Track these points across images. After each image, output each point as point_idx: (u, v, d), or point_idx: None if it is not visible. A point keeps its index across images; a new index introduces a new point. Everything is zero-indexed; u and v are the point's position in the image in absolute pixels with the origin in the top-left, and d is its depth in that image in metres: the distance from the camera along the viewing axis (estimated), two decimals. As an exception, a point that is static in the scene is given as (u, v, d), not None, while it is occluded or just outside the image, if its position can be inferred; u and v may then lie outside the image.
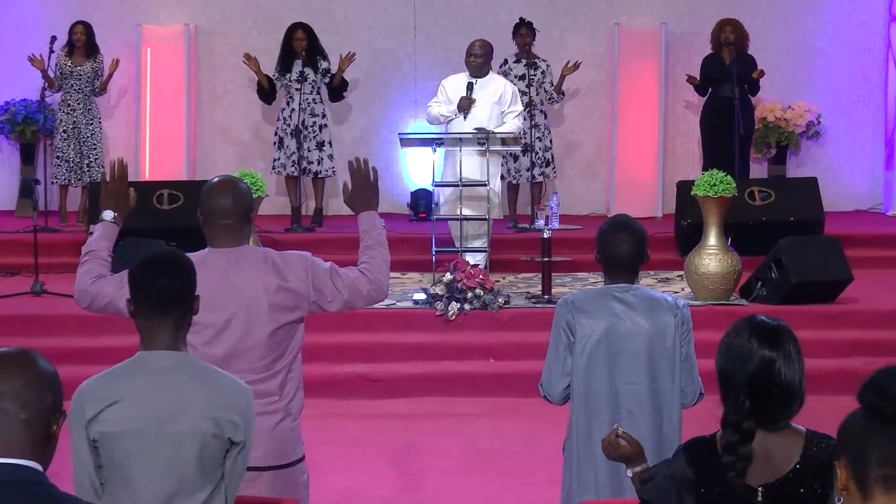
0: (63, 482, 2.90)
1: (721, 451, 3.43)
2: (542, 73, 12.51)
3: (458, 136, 10.41)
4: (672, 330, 4.75)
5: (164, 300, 3.67)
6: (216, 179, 4.64)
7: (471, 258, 10.17)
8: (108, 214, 4.68)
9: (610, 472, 4.72)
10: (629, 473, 3.81)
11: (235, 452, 3.65)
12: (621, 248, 4.78)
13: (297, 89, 12.42)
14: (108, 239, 4.64)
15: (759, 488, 3.43)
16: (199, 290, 4.29)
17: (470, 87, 10.44)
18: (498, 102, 10.28)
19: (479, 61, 10.43)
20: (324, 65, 12.61)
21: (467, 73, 10.56)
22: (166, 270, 3.72)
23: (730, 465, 3.40)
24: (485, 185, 10.18)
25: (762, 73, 12.56)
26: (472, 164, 10.18)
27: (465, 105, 10.34)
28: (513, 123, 10.27)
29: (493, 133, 10.14)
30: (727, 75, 12.41)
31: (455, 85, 10.51)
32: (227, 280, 4.41)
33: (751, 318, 3.53)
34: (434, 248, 10.40)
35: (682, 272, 10.36)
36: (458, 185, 10.35)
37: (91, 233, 4.70)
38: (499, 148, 10.26)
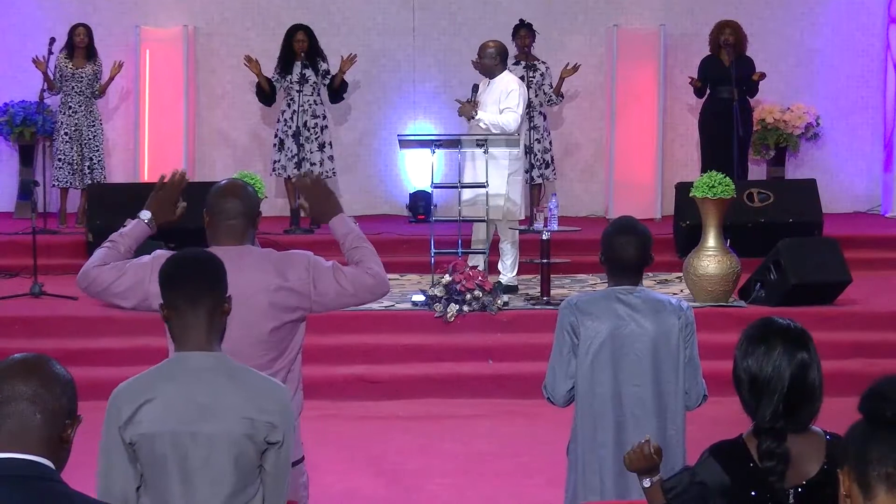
0: (81, 474, 2.91)
1: (760, 456, 3.43)
2: (542, 74, 12.52)
3: (456, 137, 10.42)
4: (676, 332, 4.75)
5: (195, 293, 3.68)
6: (224, 181, 4.65)
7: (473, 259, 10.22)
8: (145, 214, 4.66)
9: (615, 474, 4.72)
10: (646, 483, 3.75)
11: (273, 453, 3.64)
12: (626, 251, 4.77)
13: (297, 91, 12.42)
14: (134, 237, 4.61)
15: (790, 491, 3.44)
16: None
17: (475, 88, 10.44)
18: (497, 102, 10.26)
19: (483, 63, 10.41)
20: (324, 66, 12.62)
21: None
22: (196, 265, 3.75)
23: (771, 471, 3.40)
24: (484, 185, 10.18)
25: (762, 76, 12.56)
26: (483, 166, 10.16)
27: (468, 109, 10.33)
28: (503, 117, 10.14)
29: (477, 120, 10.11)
30: (726, 77, 12.42)
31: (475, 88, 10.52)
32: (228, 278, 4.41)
33: (769, 322, 3.52)
34: (433, 250, 10.39)
35: (680, 274, 10.37)
36: (456, 187, 10.37)
37: (124, 225, 4.65)
38: (500, 148, 10.22)
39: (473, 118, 10.23)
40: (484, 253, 10.31)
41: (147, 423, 3.59)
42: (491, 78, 10.37)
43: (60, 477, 2.83)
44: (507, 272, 10.42)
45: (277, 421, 3.63)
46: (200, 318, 3.68)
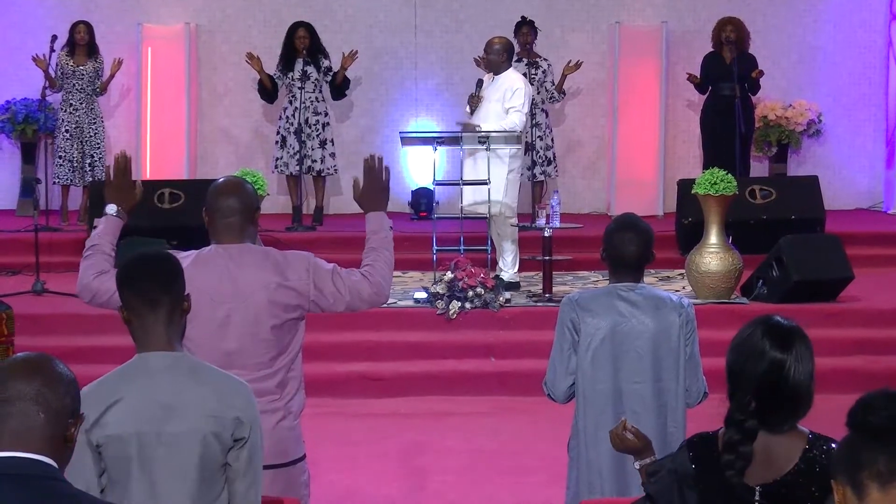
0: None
1: (721, 448, 3.43)
2: (544, 72, 12.51)
3: (458, 134, 10.42)
4: (677, 329, 4.75)
5: (152, 292, 3.67)
6: (222, 179, 4.66)
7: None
8: (111, 208, 4.66)
9: (615, 470, 4.72)
10: (637, 466, 3.82)
11: (241, 451, 3.63)
12: (628, 248, 4.77)
13: (299, 88, 12.41)
14: (111, 233, 4.63)
15: (758, 488, 3.43)
16: (200, 283, 4.30)
17: (479, 83, 10.45)
18: (501, 99, 10.27)
19: (489, 58, 10.42)
20: (326, 63, 12.62)
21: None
22: (151, 264, 3.73)
23: (729, 464, 3.39)
24: (485, 183, 10.19)
25: (761, 73, 12.55)
26: (483, 164, 10.18)
27: (473, 103, 10.34)
28: (509, 120, 10.18)
29: (478, 128, 10.11)
30: (728, 74, 12.41)
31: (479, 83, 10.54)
32: (227, 275, 4.42)
33: (766, 318, 3.51)
34: (435, 247, 10.40)
35: (682, 271, 10.36)
36: (458, 184, 10.39)
37: (95, 226, 4.68)
38: (501, 146, 10.21)
39: (476, 129, 10.17)
40: (485, 250, 10.31)
41: (113, 424, 3.58)
42: (496, 74, 10.37)
43: (63, 476, 2.83)
44: (508, 269, 10.43)
45: (243, 416, 3.61)
46: (160, 318, 3.67)
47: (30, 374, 2.84)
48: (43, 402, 2.82)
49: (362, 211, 4.74)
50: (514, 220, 10.39)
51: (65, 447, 2.87)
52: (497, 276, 10.24)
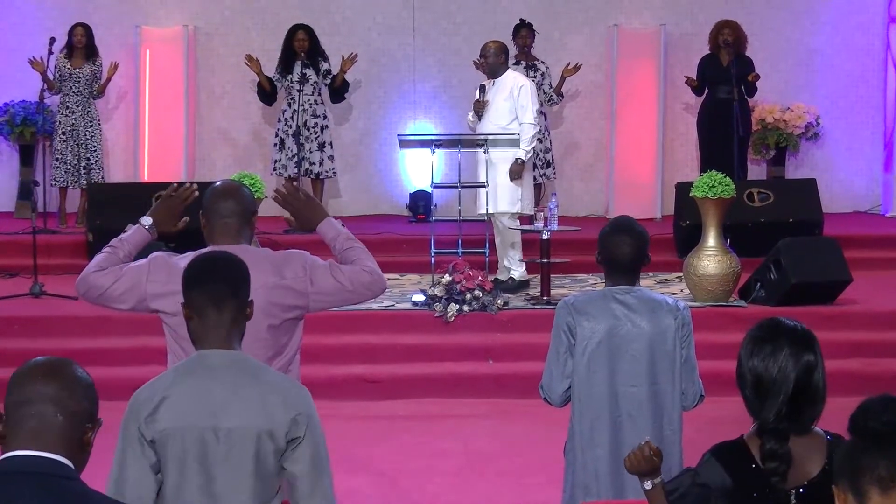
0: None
1: (763, 457, 3.43)
2: (542, 74, 12.51)
3: (456, 137, 10.44)
4: (672, 332, 4.75)
5: (220, 296, 3.69)
6: (219, 182, 4.67)
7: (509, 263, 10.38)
8: (146, 220, 4.65)
9: (611, 474, 4.72)
10: (648, 486, 3.71)
11: (298, 450, 3.63)
12: (622, 250, 4.78)
13: (298, 90, 12.42)
14: (134, 242, 4.61)
15: (792, 491, 3.44)
16: None
17: (482, 89, 10.46)
18: (509, 98, 10.28)
19: (487, 62, 10.43)
20: (325, 66, 12.62)
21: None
22: (221, 267, 3.76)
23: (774, 471, 3.41)
24: (484, 185, 10.21)
25: (757, 77, 12.55)
26: (496, 166, 10.23)
27: (479, 108, 10.37)
28: (525, 131, 10.21)
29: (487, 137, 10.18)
30: (725, 76, 12.41)
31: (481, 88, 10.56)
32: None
33: (776, 322, 3.52)
34: (433, 250, 10.41)
35: (680, 273, 10.36)
36: (456, 186, 10.41)
37: (125, 230, 4.66)
38: (501, 148, 10.24)
39: (523, 164, 10.27)
40: (483, 252, 10.32)
41: (166, 419, 3.59)
42: (495, 77, 10.39)
43: (76, 475, 2.86)
44: (518, 268, 10.44)
45: (299, 418, 3.63)
46: (224, 320, 3.70)
47: (48, 377, 2.88)
48: (61, 404, 2.85)
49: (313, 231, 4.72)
50: (516, 222, 10.43)
51: (81, 450, 2.90)
52: (496, 279, 10.24)
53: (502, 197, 10.30)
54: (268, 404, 3.61)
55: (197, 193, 4.72)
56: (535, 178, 12.43)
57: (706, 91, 12.74)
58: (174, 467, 3.61)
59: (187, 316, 3.75)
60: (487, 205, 10.25)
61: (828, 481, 3.40)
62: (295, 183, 4.73)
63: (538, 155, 12.52)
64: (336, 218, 4.82)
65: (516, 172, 10.25)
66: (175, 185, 4.74)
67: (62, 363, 2.93)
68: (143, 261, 4.49)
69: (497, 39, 10.86)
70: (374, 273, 4.56)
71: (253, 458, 3.60)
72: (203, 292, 3.71)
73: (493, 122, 10.29)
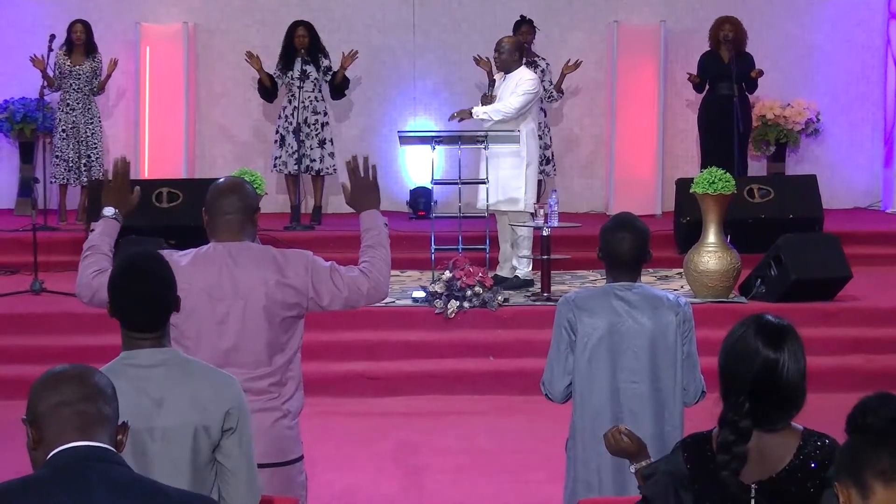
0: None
1: (716, 449, 3.43)
2: (542, 71, 12.49)
3: (456, 133, 10.44)
4: (674, 328, 4.75)
5: (142, 308, 3.67)
6: (222, 179, 4.69)
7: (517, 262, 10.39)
8: (108, 211, 4.68)
9: (613, 470, 4.72)
10: (632, 469, 3.80)
11: (229, 441, 3.64)
12: (623, 247, 4.77)
13: (298, 87, 12.41)
14: (108, 235, 4.65)
15: (753, 485, 3.43)
16: (199, 281, 4.33)
17: (492, 83, 10.47)
18: (515, 93, 10.29)
19: (502, 57, 10.42)
20: (325, 62, 12.61)
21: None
22: (141, 277, 3.70)
23: (724, 464, 3.40)
24: (484, 182, 10.21)
25: (760, 73, 12.55)
26: (494, 162, 10.23)
27: (486, 103, 10.37)
28: (500, 103, 10.20)
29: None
30: (725, 73, 12.41)
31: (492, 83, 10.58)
32: (226, 273, 4.43)
33: (757, 318, 3.51)
34: (433, 246, 10.42)
35: (681, 270, 10.37)
36: (456, 183, 10.41)
37: (92, 230, 4.70)
38: (498, 145, 10.24)
39: (471, 117, 10.25)
40: (484, 249, 10.31)
41: None
42: (508, 73, 10.38)
43: (125, 461, 2.91)
44: (524, 266, 10.44)
45: (231, 408, 3.63)
46: (147, 324, 3.69)
47: (80, 381, 2.90)
48: (97, 404, 2.89)
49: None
50: (520, 219, 10.43)
51: (117, 451, 2.92)
52: (496, 275, 10.24)
53: (511, 198, 10.26)
54: (201, 399, 3.62)
55: (129, 161, 4.76)
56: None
57: (707, 87, 12.73)
58: None
59: (112, 315, 3.73)
60: (488, 201, 10.24)
61: (792, 478, 3.40)
62: (373, 164, 4.74)
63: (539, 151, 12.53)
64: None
65: (462, 114, 10.35)
66: (106, 170, 4.80)
67: (86, 368, 2.96)
68: None
69: (510, 35, 10.90)
70: (375, 282, 4.56)
71: (190, 453, 3.61)
72: (125, 301, 3.68)
73: (478, 117, 10.29)
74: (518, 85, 10.21)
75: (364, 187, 4.74)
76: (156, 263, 3.75)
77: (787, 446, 3.44)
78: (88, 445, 2.84)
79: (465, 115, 10.40)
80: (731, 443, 3.39)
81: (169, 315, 3.72)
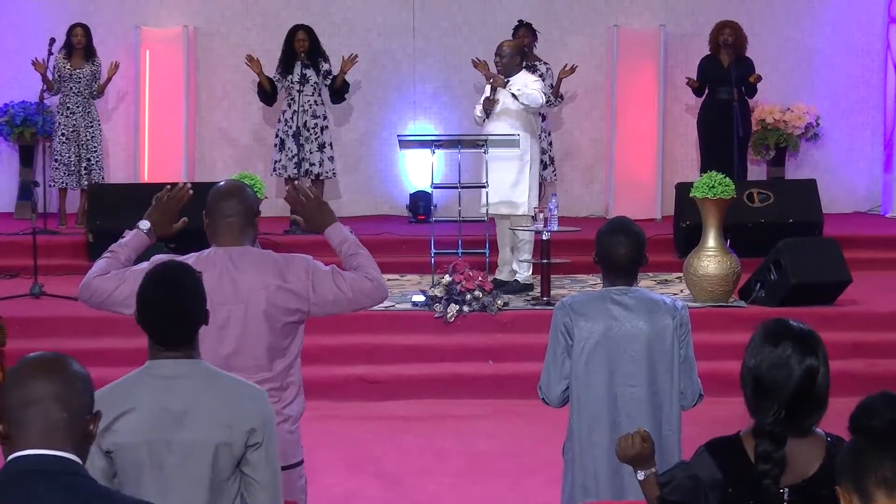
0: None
1: (756, 458, 3.42)
2: (542, 75, 12.49)
3: (456, 137, 10.44)
4: (671, 332, 4.75)
5: (170, 323, 3.65)
6: (223, 183, 4.67)
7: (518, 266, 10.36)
8: (144, 224, 4.65)
9: (610, 474, 4.72)
10: (640, 476, 3.75)
11: (255, 456, 3.62)
12: (619, 251, 4.78)
13: (298, 91, 12.41)
14: (133, 247, 4.61)
15: (785, 489, 3.44)
16: None
17: (494, 87, 10.44)
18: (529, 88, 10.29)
19: (504, 61, 10.41)
20: (325, 66, 12.61)
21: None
22: (170, 291, 3.67)
23: (766, 473, 3.40)
24: (484, 186, 10.21)
25: (759, 78, 12.55)
26: (497, 166, 10.23)
27: (489, 106, 10.35)
28: (530, 89, 10.20)
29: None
30: (725, 77, 12.41)
31: (490, 86, 10.53)
32: (227, 277, 4.42)
33: (785, 326, 3.51)
34: (433, 250, 10.41)
35: (680, 274, 10.37)
36: (456, 187, 10.41)
37: (123, 236, 4.65)
38: (499, 149, 10.24)
39: (505, 87, 10.19)
40: (483, 252, 10.31)
41: (123, 432, 3.59)
42: (508, 76, 10.37)
43: (88, 473, 2.87)
44: (524, 270, 10.43)
45: (257, 425, 3.61)
46: (177, 338, 3.67)
47: (50, 375, 2.86)
48: (65, 401, 2.85)
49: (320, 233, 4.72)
50: (521, 223, 10.43)
51: (85, 443, 2.90)
52: (495, 279, 10.24)
53: (513, 202, 10.26)
54: (225, 415, 3.59)
55: (192, 192, 4.71)
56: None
57: (706, 91, 12.74)
58: (130, 479, 3.62)
59: (140, 325, 3.70)
60: (488, 205, 10.24)
61: (823, 482, 3.40)
62: (308, 184, 4.72)
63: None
64: (337, 219, 4.82)
65: (496, 81, 10.26)
66: (169, 186, 4.73)
67: (59, 359, 2.91)
68: (145, 264, 4.49)
69: (511, 39, 10.89)
70: (375, 281, 4.56)
71: (209, 469, 3.59)
72: (154, 316, 3.65)
73: (501, 122, 10.28)
74: (526, 85, 10.22)
75: (314, 209, 4.72)
76: (186, 276, 3.72)
77: (815, 451, 3.45)
78: (46, 455, 2.81)
79: (500, 83, 10.30)
80: (772, 452, 3.39)
81: (197, 329, 3.69)
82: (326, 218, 4.71)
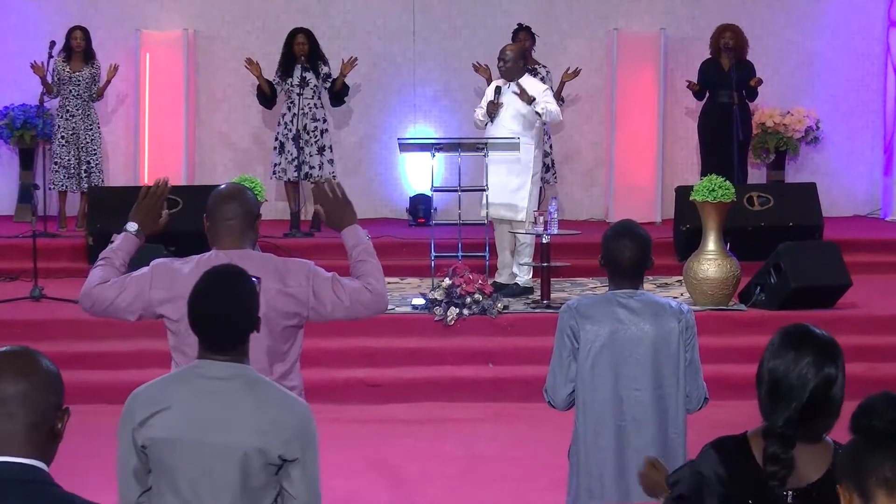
0: (79, 479, 2.89)
1: (764, 460, 3.43)
2: (542, 78, 12.48)
3: (456, 140, 10.44)
4: (676, 335, 4.76)
5: (219, 330, 3.64)
6: (223, 186, 4.69)
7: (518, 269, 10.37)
8: (131, 226, 4.66)
9: (615, 477, 4.72)
10: (662, 501, 3.73)
11: (293, 471, 3.59)
12: (625, 254, 4.78)
13: (298, 94, 12.41)
14: (125, 250, 4.62)
15: (789, 493, 3.44)
16: None
17: (498, 90, 10.43)
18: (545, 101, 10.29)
19: (507, 66, 10.39)
20: (325, 69, 12.61)
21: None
22: (221, 299, 3.66)
23: (773, 475, 3.40)
24: (483, 189, 10.21)
25: (760, 82, 12.56)
26: (499, 169, 10.24)
27: (493, 110, 10.34)
28: (552, 106, 10.25)
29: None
30: (726, 80, 12.42)
31: (491, 89, 10.51)
32: (228, 280, 4.42)
33: (808, 331, 3.50)
34: (433, 254, 10.41)
35: (680, 277, 10.37)
36: (456, 190, 10.42)
37: (112, 241, 4.66)
38: (500, 152, 10.25)
39: (531, 104, 10.18)
40: (484, 256, 10.31)
41: (159, 428, 3.59)
42: (511, 80, 10.36)
43: (52, 478, 2.77)
44: (524, 274, 10.43)
45: (293, 437, 3.58)
46: (226, 345, 3.66)
47: (15, 375, 2.75)
48: (30, 404, 2.75)
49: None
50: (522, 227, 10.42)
51: (51, 442, 2.80)
52: (495, 282, 10.24)
53: (514, 206, 10.27)
54: (262, 423, 3.57)
55: (170, 185, 4.74)
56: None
57: (707, 95, 12.74)
58: (161, 476, 3.62)
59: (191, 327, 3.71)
60: (488, 208, 10.24)
61: (828, 487, 3.40)
62: (337, 181, 4.71)
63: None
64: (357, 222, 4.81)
65: (523, 97, 10.17)
66: (146, 187, 4.75)
67: (26, 357, 2.79)
68: (146, 269, 4.50)
69: (512, 43, 10.90)
70: (375, 292, 4.55)
71: (239, 473, 3.56)
72: (207, 326, 3.64)
73: (505, 126, 10.27)
74: (548, 102, 10.24)
75: (338, 206, 4.72)
76: (239, 283, 3.70)
77: (822, 457, 3.45)
78: (5, 462, 2.72)
79: (526, 99, 10.26)
80: (781, 454, 3.39)
81: (247, 336, 3.68)
82: (347, 218, 4.70)
